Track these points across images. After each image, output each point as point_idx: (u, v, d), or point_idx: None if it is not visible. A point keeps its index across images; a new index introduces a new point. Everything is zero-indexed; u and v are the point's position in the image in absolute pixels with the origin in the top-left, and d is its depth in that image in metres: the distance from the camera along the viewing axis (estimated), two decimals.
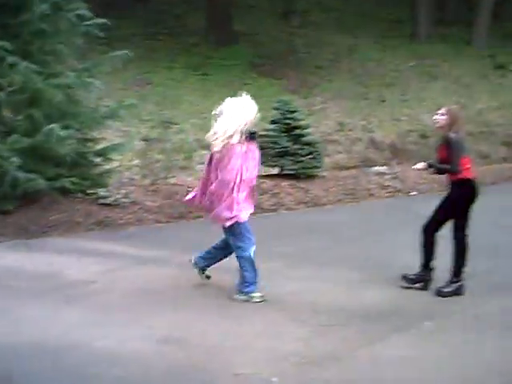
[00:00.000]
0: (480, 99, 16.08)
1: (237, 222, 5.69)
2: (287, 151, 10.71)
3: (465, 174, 5.97)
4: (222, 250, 6.05)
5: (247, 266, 5.76)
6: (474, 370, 4.55)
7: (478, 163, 13.25)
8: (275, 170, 11.08)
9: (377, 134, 13.59)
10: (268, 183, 10.48)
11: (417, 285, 6.15)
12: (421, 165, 6.07)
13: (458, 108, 6.81)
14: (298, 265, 6.89)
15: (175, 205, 9.17)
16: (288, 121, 10.88)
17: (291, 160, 10.74)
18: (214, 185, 5.70)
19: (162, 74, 15.55)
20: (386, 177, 11.36)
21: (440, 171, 6.08)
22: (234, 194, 5.65)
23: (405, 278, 6.18)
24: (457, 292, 6.00)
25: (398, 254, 7.19)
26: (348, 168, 12.23)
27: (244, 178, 5.67)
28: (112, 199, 8.92)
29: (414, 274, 6.17)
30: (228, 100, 5.69)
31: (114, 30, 16.11)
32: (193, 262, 6.20)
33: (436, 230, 6.10)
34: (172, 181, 10.31)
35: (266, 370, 4.49)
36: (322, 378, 4.39)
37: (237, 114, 5.58)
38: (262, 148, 10.55)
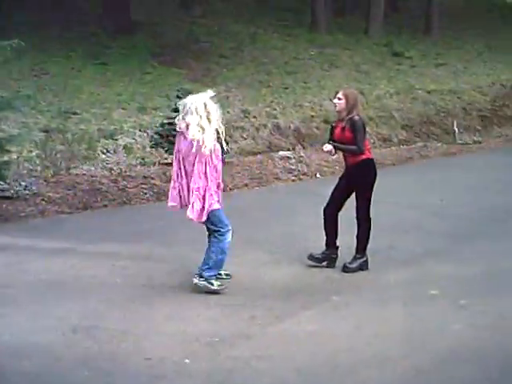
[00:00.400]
0: (379, 85, 16.55)
1: (212, 210, 5.63)
2: None
3: (367, 155, 6.18)
4: None
5: (217, 251, 5.64)
6: (380, 341, 4.70)
7: (379, 146, 13.75)
8: None
9: (281, 120, 13.75)
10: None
11: (323, 263, 6.29)
12: (328, 147, 6.20)
13: (355, 90, 6.97)
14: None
15: (78, 195, 8.96)
16: None
17: None
18: (195, 181, 5.55)
19: (59, 64, 15.09)
20: (291, 161, 11.53)
21: (346, 152, 6.22)
22: (210, 184, 5.60)
23: (311, 257, 6.30)
24: (361, 267, 6.19)
25: (304, 234, 7.31)
26: (254, 154, 12.32)
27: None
28: (12, 192, 8.61)
29: (320, 253, 6.30)
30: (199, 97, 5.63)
31: (6, 18, 15.58)
32: (197, 280, 5.69)
33: (338, 209, 6.27)
34: (75, 171, 10.05)
35: (178, 353, 4.48)
36: (233, 356, 4.42)
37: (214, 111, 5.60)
38: (167, 136, 10.60)
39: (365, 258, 6.22)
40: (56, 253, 6.73)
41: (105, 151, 11.02)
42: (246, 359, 4.39)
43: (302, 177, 10.82)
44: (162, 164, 10.77)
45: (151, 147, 11.09)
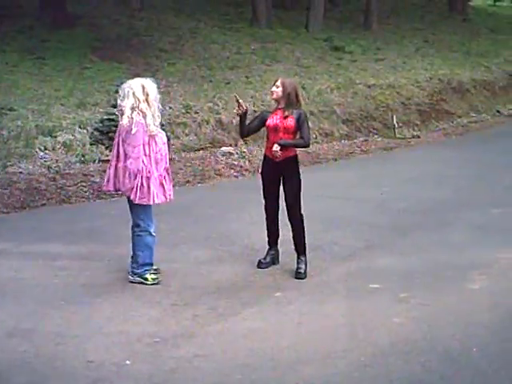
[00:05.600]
0: (320, 80, 16.65)
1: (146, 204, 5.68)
2: None
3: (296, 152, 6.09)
4: None
5: (143, 246, 5.71)
6: (322, 336, 4.73)
7: (321, 141, 13.84)
8: None
9: (223, 116, 13.67)
10: None
11: (274, 265, 6.21)
12: (275, 147, 5.89)
13: (293, 79, 6.88)
14: None
15: (15, 194, 8.72)
16: None
17: None
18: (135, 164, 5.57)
19: None
20: (234, 157, 11.49)
21: (295, 147, 6.06)
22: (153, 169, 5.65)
23: (260, 263, 6.17)
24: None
25: (246, 230, 7.30)
26: (197, 150, 12.22)
27: None
28: None
29: (267, 256, 6.20)
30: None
31: None
32: (132, 277, 5.81)
33: (278, 207, 6.18)
34: (11, 169, 9.77)
35: (119, 354, 4.41)
36: (175, 356, 4.38)
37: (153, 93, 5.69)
38: (107, 132, 10.40)
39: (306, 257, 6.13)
40: None
41: (43, 148, 10.73)
42: (189, 358, 4.35)
43: (244, 173, 10.80)
44: (103, 161, 10.57)
45: (91, 144, 10.88)
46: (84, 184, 9.42)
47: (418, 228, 7.61)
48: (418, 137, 14.97)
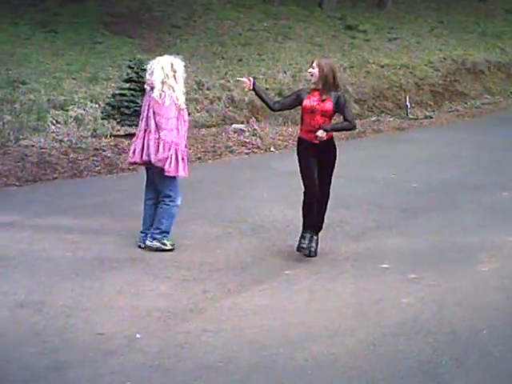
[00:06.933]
0: (332, 59, 16.54)
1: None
2: None
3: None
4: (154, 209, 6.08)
5: (168, 215, 5.94)
6: (331, 315, 4.74)
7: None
8: (133, 129, 10.84)
9: (235, 93, 13.64)
10: (126, 142, 10.24)
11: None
12: (321, 132, 5.65)
13: (330, 60, 6.44)
14: None
15: (27, 167, 8.76)
16: (143, 79, 10.62)
17: None
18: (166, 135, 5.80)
19: (5, 31, 14.62)
20: (246, 134, 11.48)
21: (341, 131, 6.01)
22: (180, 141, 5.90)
23: (301, 248, 5.86)
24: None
25: (256, 208, 7.31)
26: (208, 126, 12.22)
27: None
28: None
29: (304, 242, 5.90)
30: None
31: None
32: (150, 242, 5.99)
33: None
34: (23, 143, 9.80)
35: (129, 328, 4.44)
36: (184, 331, 4.41)
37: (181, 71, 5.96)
38: (118, 107, 10.40)
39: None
40: (3, 226, 6.58)
41: (55, 122, 10.77)
42: (198, 334, 4.38)
43: (255, 150, 10.79)
44: (114, 136, 10.60)
45: (103, 118, 10.89)
46: (95, 158, 9.46)
47: (428, 209, 7.60)
48: (431, 117, 14.89)
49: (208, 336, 4.35)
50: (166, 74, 5.76)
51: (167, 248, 5.94)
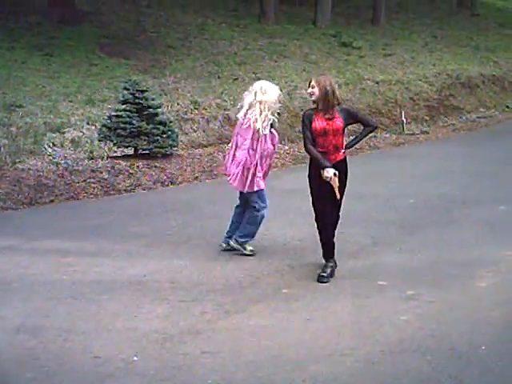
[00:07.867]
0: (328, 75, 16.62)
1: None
2: (141, 131, 10.55)
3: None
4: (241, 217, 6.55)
5: (254, 222, 6.38)
6: (330, 333, 4.72)
7: None
8: (130, 151, 10.88)
9: (231, 112, 13.67)
10: (123, 164, 10.27)
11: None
12: (327, 171, 5.67)
13: (327, 76, 6.22)
14: (155, 244, 6.82)
15: (24, 190, 8.76)
16: (139, 100, 10.71)
17: (145, 140, 10.60)
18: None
19: (2, 56, 14.68)
20: None
21: (365, 137, 6.25)
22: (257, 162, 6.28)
23: (322, 277, 5.78)
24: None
25: None
26: (205, 146, 12.24)
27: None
28: None
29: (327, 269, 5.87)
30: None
31: None
32: (234, 243, 6.47)
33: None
34: (20, 166, 9.81)
35: (127, 350, 4.42)
36: (182, 353, 4.39)
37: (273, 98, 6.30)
38: (115, 129, 10.43)
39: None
40: (0, 250, 6.56)
41: (51, 145, 10.77)
42: (195, 355, 4.36)
43: None
44: (111, 157, 10.61)
45: (99, 140, 10.91)
46: (92, 180, 9.46)
47: (425, 225, 7.60)
48: (427, 132, 14.93)
49: (206, 357, 4.33)
50: (256, 97, 6.10)
51: (246, 252, 6.38)
